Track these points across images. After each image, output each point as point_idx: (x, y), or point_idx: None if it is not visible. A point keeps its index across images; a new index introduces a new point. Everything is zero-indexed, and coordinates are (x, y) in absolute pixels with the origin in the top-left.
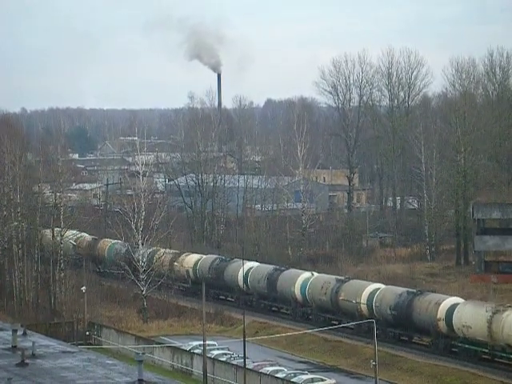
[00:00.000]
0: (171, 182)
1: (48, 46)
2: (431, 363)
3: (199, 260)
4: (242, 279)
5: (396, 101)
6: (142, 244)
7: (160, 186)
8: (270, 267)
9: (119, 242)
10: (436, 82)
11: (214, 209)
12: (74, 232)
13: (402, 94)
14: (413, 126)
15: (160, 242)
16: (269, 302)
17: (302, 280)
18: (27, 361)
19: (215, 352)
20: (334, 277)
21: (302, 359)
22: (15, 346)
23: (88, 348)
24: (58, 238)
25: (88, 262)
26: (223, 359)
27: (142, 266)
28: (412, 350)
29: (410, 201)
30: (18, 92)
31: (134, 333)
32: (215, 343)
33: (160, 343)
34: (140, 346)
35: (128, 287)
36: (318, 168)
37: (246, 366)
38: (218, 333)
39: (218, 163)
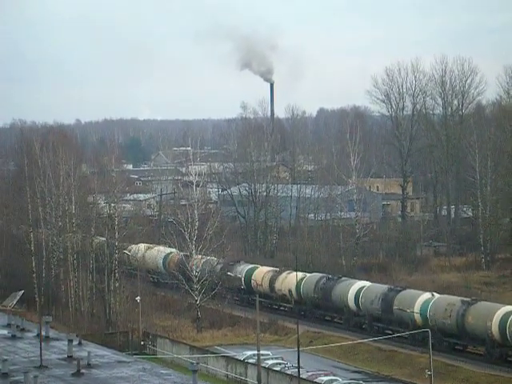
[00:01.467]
0: (224, 192)
1: (102, 57)
2: (486, 373)
3: (303, 279)
4: (352, 299)
5: (450, 109)
6: (196, 253)
7: (213, 196)
8: (384, 287)
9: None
10: (490, 89)
11: (267, 218)
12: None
13: (455, 102)
14: (467, 133)
15: (213, 252)
16: (383, 324)
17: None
18: (83, 370)
19: (269, 362)
20: (385, 286)
21: (357, 369)
22: (71, 356)
23: (143, 358)
24: (113, 249)
25: (143, 272)
26: (277, 369)
27: (196, 276)
28: (467, 360)
29: (465, 209)
30: (72, 104)
31: (188, 342)
32: (269, 353)
33: (214, 353)
34: (194, 355)
35: (182, 297)
36: (372, 177)
37: (301, 376)
38: (271, 342)
39: (270, 173)
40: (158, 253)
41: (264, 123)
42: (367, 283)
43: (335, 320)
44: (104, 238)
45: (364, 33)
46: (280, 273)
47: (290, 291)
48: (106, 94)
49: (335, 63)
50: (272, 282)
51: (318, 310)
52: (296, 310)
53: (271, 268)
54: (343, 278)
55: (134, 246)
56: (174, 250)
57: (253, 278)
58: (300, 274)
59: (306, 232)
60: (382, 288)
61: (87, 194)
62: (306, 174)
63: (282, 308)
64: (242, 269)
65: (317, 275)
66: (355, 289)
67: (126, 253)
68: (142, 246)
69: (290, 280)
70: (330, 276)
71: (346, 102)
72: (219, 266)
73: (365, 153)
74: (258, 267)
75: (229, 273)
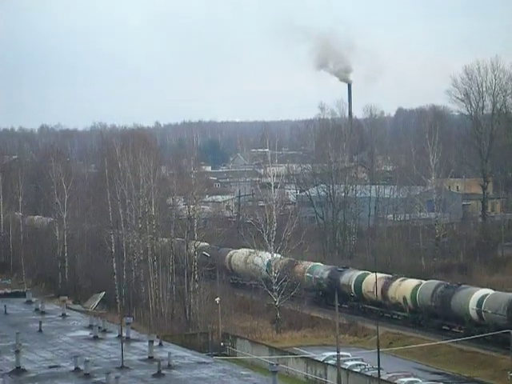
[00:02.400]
0: (302, 193)
1: (180, 59)
2: None
3: (418, 286)
4: (474, 308)
5: None
6: (274, 254)
7: (291, 197)
8: (511, 295)
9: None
10: None
11: (345, 219)
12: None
13: None
14: None
15: (292, 253)
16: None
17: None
18: (163, 371)
19: (349, 363)
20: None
21: (438, 370)
22: (152, 357)
23: (223, 359)
24: (192, 250)
25: (222, 273)
26: (357, 370)
27: (275, 277)
28: None
29: None
30: (152, 106)
31: (268, 343)
32: (349, 354)
33: (294, 354)
34: (274, 356)
35: (261, 298)
36: (451, 177)
37: (381, 377)
38: (351, 344)
39: (349, 173)
40: (261, 258)
41: (342, 124)
42: (490, 291)
43: (454, 330)
44: (183, 240)
45: (443, 32)
46: (393, 280)
47: (404, 299)
48: (184, 96)
49: (414, 62)
50: (385, 289)
51: (436, 320)
52: (411, 319)
53: (383, 275)
54: (463, 286)
55: (233, 251)
56: (277, 255)
57: (363, 285)
58: (415, 281)
59: (385, 233)
60: (507, 296)
61: (166, 196)
62: (385, 175)
63: (395, 317)
64: (352, 275)
65: (434, 282)
66: (477, 297)
67: (206, 254)
68: (244, 251)
69: (404, 287)
70: (449, 283)
71: (424, 101)
72: (326, 273)
73: (444, 152)
74: (368, 273)
75: (307, 274)
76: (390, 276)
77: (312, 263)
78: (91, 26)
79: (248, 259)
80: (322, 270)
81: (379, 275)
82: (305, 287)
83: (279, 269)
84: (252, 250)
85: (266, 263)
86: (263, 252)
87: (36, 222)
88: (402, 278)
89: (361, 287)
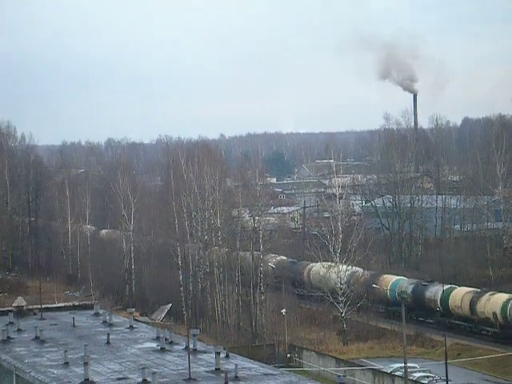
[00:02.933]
0: (368, 204)
1: (244, 71)
2: None
3: (509, 300)
4: None
5: None
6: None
7: (357, 208)
8: None
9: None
10: None
11: (411, 230)
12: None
13: None
14: None
15: (358, 264)
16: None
17: None
18: (230, 383)
19: (417, 374)
20: None
21: (507, 382)
22: (218, 369)
23: (289, 370)
24: (258, 262)
25: (287, 285)
26: (425, 382)
27: (341, 288)
28: None
29: None
30: (216, 119)
31: (334, 355)
32: (416, 365)
33: (361, 365)
34: (341, 368)
35: (327, 309)
36: None
37: None
38: (418, 355)
39: (415, 184)
40: (340, 272)
41: (407, 134)
42: None
43: (482, 332)
44: (249, 252)
45: (509, 40)
46: (482, 294)
47: (494, 314)
48: (249, 108)
49: (479, 72)
50: (473, 303)
51: None
52: (502, 334)
53: (470, 289)
54: None
55: (312, 265)
56: (358, 268)
57: (450, 299)
58: (505, 296)
59: (452, 243)
60: None
61: (232, 208)
62: (451, 185)
63: (483, 332)
64: (437, 290)
65: None
66: None
67: (271, 266)
68: (324, 264)
69: (494, 302)
70: None
71: (491, 111)
72: (410, 287)
73: (511, 162)
74: (454, 287)
75: (374, 285)
76: (478, 290)
77: (395, 277)
78: (157, 40)
79: (328, 273)
80: (405, 284)
81: (466, 289)
82: (379, 300)
83: (362, 283)
84: (332, 264)
85: (346, 277)
86: (343, 265)
87: (103, 235)
88: (491, 292)
89: (447, 302)
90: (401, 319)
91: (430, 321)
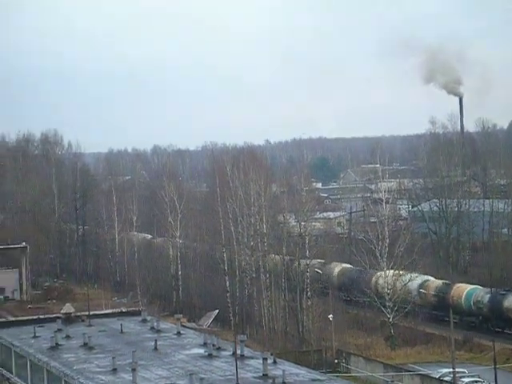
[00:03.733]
0: (414, 208)
1: (287, 77)
2: None
3: None
4: None
5: None
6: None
7: (403, 213)
8: None
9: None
10: None
11: (459, 234)
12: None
13: None
14: None
15: (405, 269)
16: None
17: None
18: None
19: (465, 380)
20: None
21: None
22: (266, 374)
23: (337, 376)
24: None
25: (334, 291)
26: None
27: (388, 293)
28: None
29: None
30: (262, 124)
31: (382, 360)
32: (465, 370)
33: (409, 371)
34: (389, 373)
35: (374, 315)
36: None
37: None
38: (467, 360)
39: (461, 188)
40: (411, 281)
41: (453, 138)
42: None
43: None
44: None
45: None
46: None
47: None
48: (293, 113)
49: None
50: None
51: None
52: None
53: None
54: None
55: (380, 273)
56: (430, 277)
57: None
58: None
59: (500, 247)
60: None
61: (277, 214)
62: (499, 188)
63: None
64: None
65: None
66: None
67: (318, 271)
68: (391, 272)
69: None
70: None
71: None
72: (487, 296)
73: None
74: None
75: (421, 290)
76: None
77: (469, 286)
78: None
79: (397, 281)
80: (481, 293)
81: None
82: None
83: (433, 292)
84: (401, 272)
85: (417, 285)
86: (413, 274)
87: (150, 241)
88: None
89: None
90: (478, 330)
91: (509, 332)
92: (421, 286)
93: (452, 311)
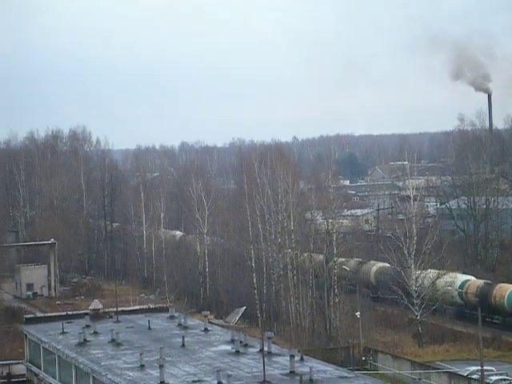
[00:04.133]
0: (442, 206)
1: (316, 73)
2: None
3: None
4: None
5: None
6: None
7: (431, 210)
8: None
9: None
10: None
11: (487, 231)
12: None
13: None
14: None
15: (432, 266)
16: None
17: None
18: None
19: (493, 378)
20: None
21: None
22: (293, 371)
23: (364, 373)
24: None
25: (361, 287)
26: None
27: (416, 291)
28: None
29: None
30: (289, 121)
31: (410, 358)
32: (493, 368)
33: (436, 368)
34: (416, 371)
35: (402, 312)
36: None
37: None
38: (495, 358)
39: (490, 185)
40: (451, 280)
41: (482, 135)
42: None
43: None
44: (323, 254)
45: None
46: None
47: None
48: (321, 110)
49: None
50: None
51: None
52: None
53: None
54: None
55: (419, 272)
56: (471, 277)
57: None
58: None
59: None
60: None
61: (305, 211)
62: None
63: None
64: None
65: None
66: None
67: (345, 268)
68: (432, 272)
69: None
70: None
71: None
72: None
73: None
74: None
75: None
76: None
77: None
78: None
79: (438, 281)
80: None
81: None
82: (494, 310)
83: (474, 292)
84: (442, 272)
85: (458, 286)
86: (453, 273)
87: (177, 238)
88: None
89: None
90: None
91: None
92: (461, 285)
93: (494, 311)
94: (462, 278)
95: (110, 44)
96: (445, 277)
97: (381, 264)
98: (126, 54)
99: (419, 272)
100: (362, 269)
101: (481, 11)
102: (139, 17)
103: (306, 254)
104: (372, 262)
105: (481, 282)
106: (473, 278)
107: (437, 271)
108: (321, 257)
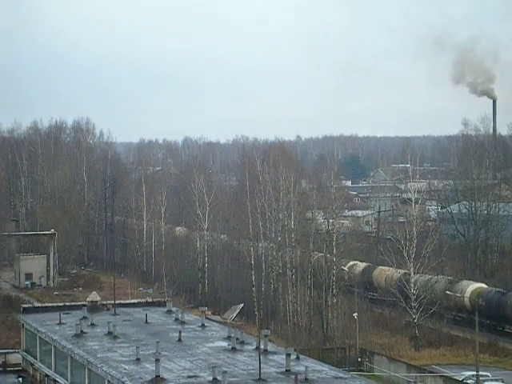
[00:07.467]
0: (444, 210)
1: (321, 74)
2: None
3: None
4: None
5: None
6: (414, 272)
7: (432, 214)
8: None
9: None
10: None
11: (487, 237)
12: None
13: None
14: None
15: (432, 270)
16: None
17: None
18: None
19: (488, 383)
20: None
21: None
22: (289, 370)
23: (360, 374)
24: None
25: (360, 289)
26: None
27: (414, 294)
28: None
29: None
30: (293, 120)
31: (406, 360)
32: (488, 374)
33: (432, 372)
34: (412, 374)
35: (400, 315)
36: None
37: None
38: (491, 363)
39: (492, 191)
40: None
41: (485, 140)
42: None
43: None
44: (322, 254)
45: None
46: None
47: None
48: (325, 110)
49: None
50: None
51: None
52: None
53: None
54: None
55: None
56: (482, 284)
57: None
58: None
59: None
60: None
61: (306, 210)
62: None
63: None
64: None
65: None
66: None
67: (344, 269)
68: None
69: None
70: None
71: None
72: None
73: None
74: None
75: (448, 292)
76: None
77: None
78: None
79: (441, 286)
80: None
81: None
82: (445, 305)
83: (484, 298)
84: (450, 278)
85: (468, 293)
86: (466, 281)
87: (178, 233)
88: None
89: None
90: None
91: None
92: (472, 293)
93: (507, 321)
94: (473, 285)
95: (117, 36)
96: (459, 285)
97: (390, 270)
98: (132, 46)
99: (418, 275)
100: (375, 273)
101: (488, 16)
102: (145, 10)
103: (305, 253)
104: (383, 267)
105: (492, 289)
106: (484, 285)
107: (448, 278)
108: (320, 256)
